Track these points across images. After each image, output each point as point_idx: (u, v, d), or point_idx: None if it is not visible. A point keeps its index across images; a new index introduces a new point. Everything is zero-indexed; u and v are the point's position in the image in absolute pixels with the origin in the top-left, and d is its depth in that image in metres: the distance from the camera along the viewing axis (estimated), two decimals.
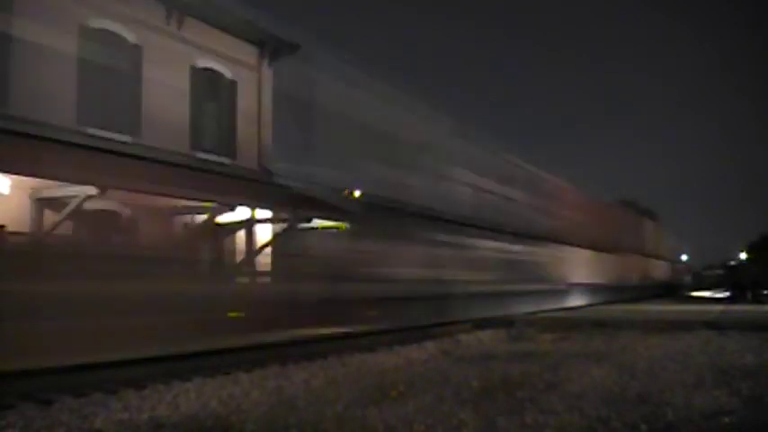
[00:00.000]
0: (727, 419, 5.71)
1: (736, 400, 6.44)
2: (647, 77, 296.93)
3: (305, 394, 6.96)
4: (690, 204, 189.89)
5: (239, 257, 14.72)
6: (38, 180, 10.57)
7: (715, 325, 14.18)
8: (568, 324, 15.04)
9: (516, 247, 21.50)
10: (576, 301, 25.56)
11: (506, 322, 15.26)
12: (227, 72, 16.02)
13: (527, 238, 22.17)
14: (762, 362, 9.06)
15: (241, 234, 14.71)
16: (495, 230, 19.86)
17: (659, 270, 46.24)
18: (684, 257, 61.77)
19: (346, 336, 12.12)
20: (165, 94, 14.10)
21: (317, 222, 14.46)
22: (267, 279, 14.95)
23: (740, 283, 31.45)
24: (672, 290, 44.97)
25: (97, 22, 13.04)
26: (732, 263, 39.44)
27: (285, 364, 9.33)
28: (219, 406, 6.41)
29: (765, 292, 29.51)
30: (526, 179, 23.47)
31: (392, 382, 7.36)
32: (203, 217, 13.60)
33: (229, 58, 15.97)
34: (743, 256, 41.97)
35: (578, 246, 27.04)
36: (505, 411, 5.87)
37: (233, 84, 16.19)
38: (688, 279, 56.06)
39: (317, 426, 5.43)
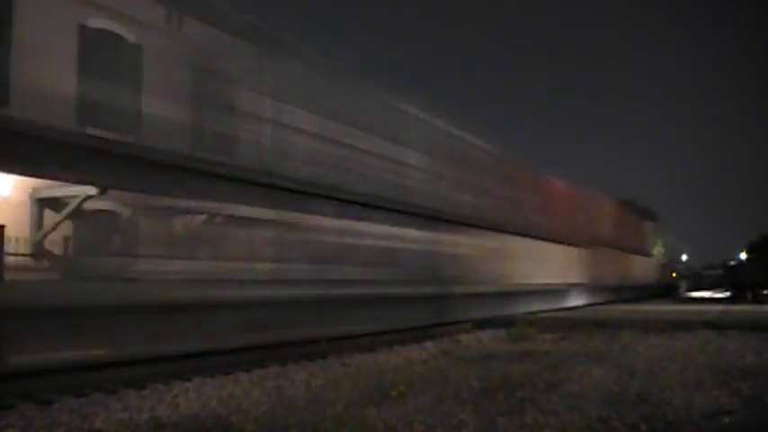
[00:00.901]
0: (727, 419, 5.71)
1: (736, 400, 6.44)
2: (647, 77, 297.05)
3: (305, 394, 6.96)
4: (690, 204, 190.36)
5: None
6: (38, 180, 10.55)
7: (715, 325, 14.18)
8: (568, 324, 15.04)
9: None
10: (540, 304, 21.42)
11: (507, 322, 15.26)
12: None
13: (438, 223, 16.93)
14: (762, 362, 9.06)
15: None
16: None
17: (658, 270, 46.25)
18: (685, 257, 61.81)
19: None
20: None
21: None
22: None
23: (740, 283, 31.33)
24: (670, 290, 44.96)
25: (97, 23, 13.03)
26: (732, 263, 39.29)
27: (285, 364, 9.34)
28: (219, 406, 6.41)
29: (765, 292, 29.47)
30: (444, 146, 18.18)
31: (392, 382, 7.36)
32: None
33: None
34: (743, 256, 41.90)
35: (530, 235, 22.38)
36: (505, 411, 5.87)
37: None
38: (688, 279, 56.02)
39: (317, 426, 5.43)
